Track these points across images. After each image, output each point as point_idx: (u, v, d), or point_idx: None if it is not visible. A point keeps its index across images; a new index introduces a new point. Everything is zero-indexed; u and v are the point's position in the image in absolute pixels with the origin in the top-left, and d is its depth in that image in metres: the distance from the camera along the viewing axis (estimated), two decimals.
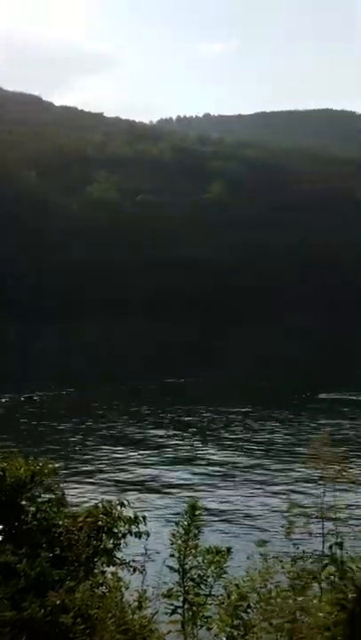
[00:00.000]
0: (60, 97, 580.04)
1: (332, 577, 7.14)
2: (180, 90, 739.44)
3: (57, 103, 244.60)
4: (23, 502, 8.15)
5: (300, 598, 7.63)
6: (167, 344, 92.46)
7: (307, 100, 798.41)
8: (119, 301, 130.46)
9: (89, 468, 26.96)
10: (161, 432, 35.85)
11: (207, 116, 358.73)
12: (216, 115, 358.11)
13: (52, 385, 51.14)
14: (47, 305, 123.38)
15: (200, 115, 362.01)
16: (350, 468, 11.57)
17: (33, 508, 8.19)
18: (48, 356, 76.72)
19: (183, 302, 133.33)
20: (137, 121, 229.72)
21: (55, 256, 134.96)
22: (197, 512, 8.18)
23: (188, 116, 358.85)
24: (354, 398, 47.44)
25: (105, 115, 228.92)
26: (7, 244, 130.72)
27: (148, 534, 8.11)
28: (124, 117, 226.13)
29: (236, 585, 7.51)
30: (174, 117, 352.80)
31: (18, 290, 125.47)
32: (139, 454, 29.97)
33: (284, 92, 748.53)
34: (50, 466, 8.68)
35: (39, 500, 8.30)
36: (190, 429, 36.77)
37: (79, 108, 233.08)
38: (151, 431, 36.08)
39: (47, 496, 8.37)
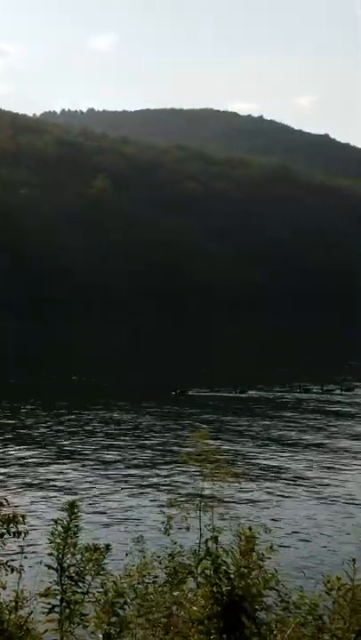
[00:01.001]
0: None
1: (207, 571, 7.34)
2: (64, 83, 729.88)
3: None
4: None
5: (175, 593, 7.81)
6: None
7: (191, 99, 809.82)
8: None
9: None
10: (42, 429, 35.38)
11: (91, 110, 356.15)
12: (100, 110, 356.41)
13: None
14: None
15: (84, 109, 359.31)
16: (227, 464, 11.94)
17: None
18: None
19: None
20: (20, 113, 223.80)
21: None
22: (77, 510, 8.17)
23: (72, 110, 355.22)
24: (228, 395, 48.83)
25: None
26: None
27: (26, 533, 8.04)
28: (6, 109, 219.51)
29: (114, 582, 7.58)
30: (58, 111, 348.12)
31: None
32: (16, 451, 29.46)
33: (169, 90, 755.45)
34: None
35: None
36: (70, 426, 36.50)
37: None
38: (32, 428, 35.52)
39: None
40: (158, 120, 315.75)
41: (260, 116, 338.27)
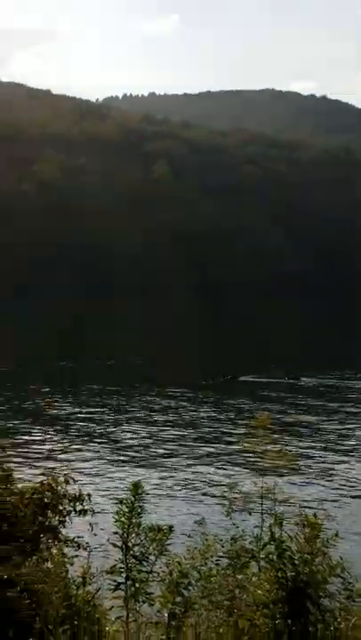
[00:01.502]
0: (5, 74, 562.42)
1: (271, 556, 7.37)
2: (126, 68, 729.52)
3: (4, 79, 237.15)
4: None
5: (239, 576, 7.87)
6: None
7: (252, 81, 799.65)
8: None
9: (34, 444, 26.81)
10: (105, 412, 35.84)
11: (153, 95, 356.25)
12: (162, 94, 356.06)
13: None
14: None
15: (145, 94, 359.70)
16: (288, 450, 11.92)
17: None
18: None
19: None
20: (83, 99, 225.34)
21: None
22: (140, 491, 8.30)
23: (133, 94, 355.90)
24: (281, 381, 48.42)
25: (52, 92, 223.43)
26: None
27: (92, 512, 8.22)
28: (70, 95, 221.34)
29: (178, 563, 7.68)
30: (120, 96, 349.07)
31: None
32: (84, 433, 29.97)
33: (230, 72, 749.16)
34: None
35: None
36: (134, 410, 36.89)
37: (27, 85, 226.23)
38: (96, 410, 36.01)
39: None
40: (220, 103, 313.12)
41: (324, 96, 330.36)
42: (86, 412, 35.44)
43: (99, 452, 26.66)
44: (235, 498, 10.35)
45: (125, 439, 29.46)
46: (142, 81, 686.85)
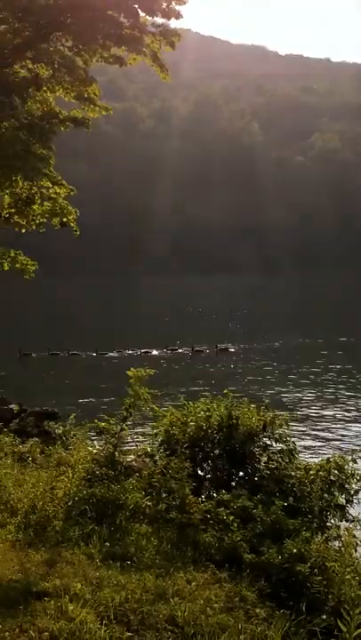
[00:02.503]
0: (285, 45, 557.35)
1: None
2: None
3: (281, 52, 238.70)
4: (255, 450, 8.29)
5: None
6: None
7: None
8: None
9: (317, 421, 26.55)
10: None
11: None
12: None
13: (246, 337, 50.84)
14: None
15: None
16: None
17: (265, 457, 8.31)
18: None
19: None
20: None
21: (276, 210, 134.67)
22: None
23: None
24: None
25: (331, 60, 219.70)
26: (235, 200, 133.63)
27: None
28: (351, 61, 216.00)
29: None
30: None
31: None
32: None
33: None
34: (281, 416, 8.68)
35: (270, 449, 8.39)
36: None
37: (305, 55, 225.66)
38: None
39: (278, 446, 8.41)
40: None
41: None
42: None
43: None
44: None
45: None
46: None
